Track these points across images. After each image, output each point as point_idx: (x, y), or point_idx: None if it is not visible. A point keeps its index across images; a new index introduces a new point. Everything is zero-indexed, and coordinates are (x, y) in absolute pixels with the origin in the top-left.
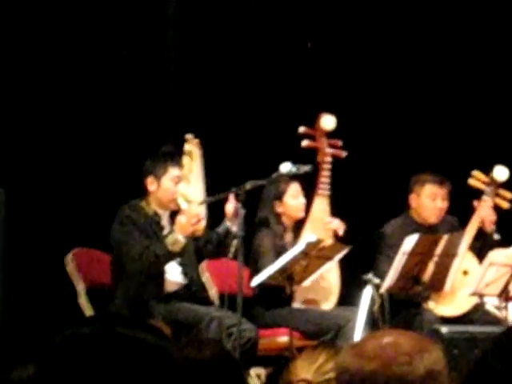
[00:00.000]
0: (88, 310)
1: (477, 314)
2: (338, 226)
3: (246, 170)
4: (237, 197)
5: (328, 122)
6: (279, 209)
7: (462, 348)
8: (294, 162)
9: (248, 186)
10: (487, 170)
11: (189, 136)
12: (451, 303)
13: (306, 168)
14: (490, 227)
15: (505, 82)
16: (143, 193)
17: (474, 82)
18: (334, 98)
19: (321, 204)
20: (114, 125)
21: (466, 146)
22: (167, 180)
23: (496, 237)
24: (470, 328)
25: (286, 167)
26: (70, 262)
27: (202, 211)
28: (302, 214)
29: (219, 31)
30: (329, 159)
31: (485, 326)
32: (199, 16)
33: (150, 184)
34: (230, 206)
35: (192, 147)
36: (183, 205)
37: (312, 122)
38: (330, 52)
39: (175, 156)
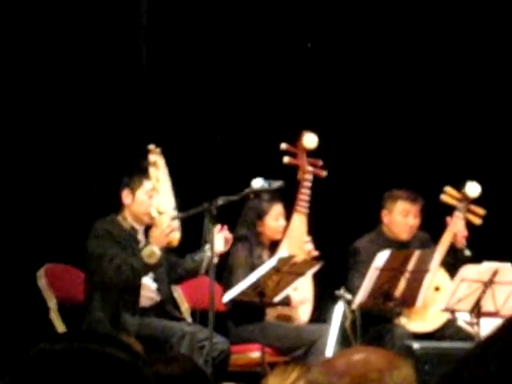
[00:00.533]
0: (59, 326)
1: (449, 330)
2: (312, 249)
3: (220, 185)
4: (209, 212)
5: (310, 140)
6: (259, 228)
7: (434, 364)
8: (266, 178)
9: (220, 201)
10: (459, 186)
11: (151, 146)
12: (423, 319)
13: (277, 184)
14: (461, 243)
15: (479, 99)
16: (117, 208)
17: (448, 100)
18: (316, 116)
19: (299, 221)
20: (87, 140)
21: (438, 162)
22: (141, 193)
23: (467, 253)
24: (442, 344)
25: (257, 183)
26: (42, 278)
27: (174, 221)
28: (279, 237)
29: (193, 37)
30: (309, 177)
31: (457, 341)
32: (173, 23)
33: (126, 197)
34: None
35: (156, 157)
36: (158, 218)
37: (294, 140)
38: (313, 70)
39: (147, 170)
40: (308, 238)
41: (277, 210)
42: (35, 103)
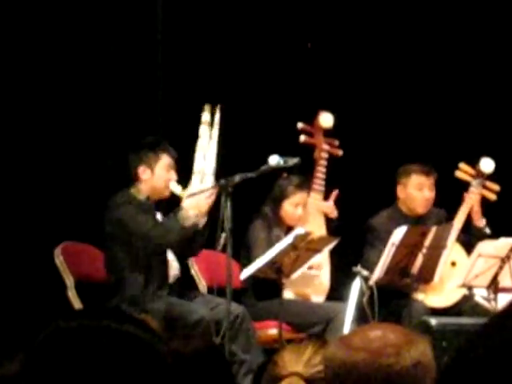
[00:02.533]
0: (77, 304)
1: (466, 306)
2: (330, 209)
3: (237, 163)
4: (226, 189)
5: (326, 119)
6: (279, 208)
7: (451, 340)
8: (282, 155)
9: (237, 178)
10: (473, 162)
11: (206, 106)
12: (440, 294)
13: (294, 160)
14: (479, 221)
15: (492, 75)
16: (130, 183)
17: (461, 77)
18: (332, 96)
19: (316, 199)
20: (100, 119)
21: (452, 138)
22: (160, 168)
23: (487, 231)
24: (459, 320)
25: (273, 160)
26: (59, 256)
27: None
28: (294, 223)
29: (216, 27)
30: (325, 156)
31: (474, 317)
32: (188, 14)
33: (143, 173)
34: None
35: (209, 116)
36: (177, 189)
37: (311, 119)
38: (330, 51)
39: (163, 144)
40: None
41: (299, 197)
42: (50, 85)
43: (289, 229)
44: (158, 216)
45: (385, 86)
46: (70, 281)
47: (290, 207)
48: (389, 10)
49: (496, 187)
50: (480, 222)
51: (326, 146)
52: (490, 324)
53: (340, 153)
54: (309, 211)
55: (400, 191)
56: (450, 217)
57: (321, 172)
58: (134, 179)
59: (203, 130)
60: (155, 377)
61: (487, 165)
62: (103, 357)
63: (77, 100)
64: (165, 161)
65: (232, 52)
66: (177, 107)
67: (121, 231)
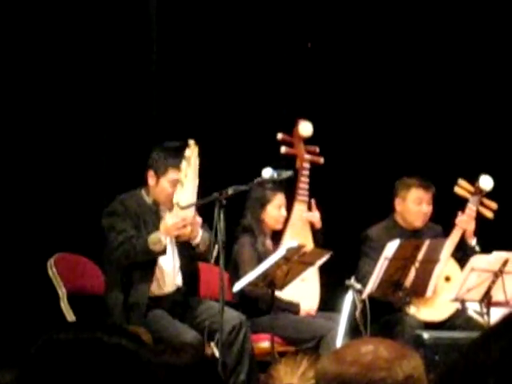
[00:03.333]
0: (69, 315)
1: (459, 320)
2: (317, 218)
3: (227, 175)
4: (219, 202)
5: (305, 128)
6: (262, 216)
7: (444, 353)
8: (275, 168)
9: (230, 191)
10: (473, 179)
11: (191, 141)
12: (432, 308)
13: (288, 173)
14: (470, 238)
15: (494, 92)
16: (134, 187)
17: (464, 93)
18: (312, 105)
19: (300, 210)
20: (96, 130)
21: (452, 154)
22: (165, 181)
23: (477, 249)
24: (452, 334)
25: (267, 172)
26: (52, 267)
27: (189, 216)
28: (279, 227)
29: (199, 34)
30: (307, 165)
31: (466, 331)
32: (181, 19)
33: (151, 178)
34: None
35: (191, 153)
36: (176, 208)
37: (290, 129)
38: (310, 58)
39: (176, 157)
40: (309, 213)
41: (279, 199)
42: (50, 84)
43: (273, 234)
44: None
45: (384, 92)
46: (62, 292)
47: (274, 210)
48: (377, 21)
49: (494, 205)
50: (471, 240)
51: (307, 156)
52: (481, 339)
53: (321, 161)
54: (294, 223)
55: (398, 204)
56: (446, 233)
57: (304, 182)
58: (144, 179)
59: (183, 165)
60: None
61: (486, 182)
62: (95, 369)
63: (70, 107)
64: (172, 176)
65: (212, 63)
66: (171, 107)
67: (104, 237)
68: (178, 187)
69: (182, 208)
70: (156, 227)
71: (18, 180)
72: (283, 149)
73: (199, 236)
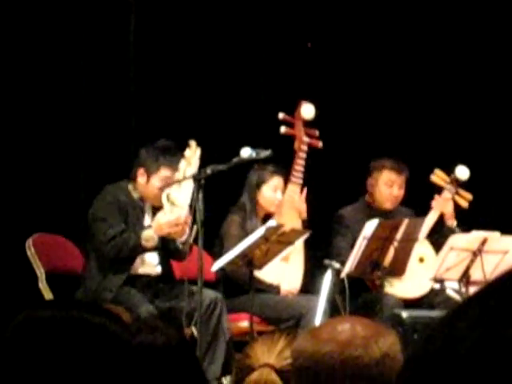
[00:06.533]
0: (48, 295)
1: (437, 299)
2: (303, 208)
3: (214, 154)
4: (198, 182)
5: (307, 110)
6: (257, 197)
7: (422, 333)
8: (254, 147)
9: (209, 170)
10: (449, 169)
11: (192, 142)
12: (404, 288)
13: (266, 153)
14: (450, 221)
15: (478, 84)
16: (120, 178)
17: (449, 84)
18: (315, 87)
19: (293, 191)
20: (78, 110)
21: (432, 141)
22: (156, 179)
23: (457, 231)
24: (431, 313)
25: (246, 152)
26: (31, 247)
27: (183, 215)
28: (272, 209)
29: (186, 23)
30: (305, 148)
31: (445, 310)
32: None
33: (141, 176)
34: None
35: (192, 154)
36: (166, 206)
37: (292, 110)
38: (314, 39)
39: (169, 155)
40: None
41: (276, 181)
42: (36, 74)
43: (266, 217)
44: (147, 219)
45: (375, 81)
46: (41, 272)
47: (269, 191)
48: (373, 7)
49: (469, 196)
50: (451, 221)
51: (306, 138)
52: (450, 315)
53: (320, 144)
54: (284, 203)
55: (370, 185)
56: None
57: (300, 164)
58: (133, 176)
59: (182, 165)
60: (124, 368)
61: (462, 172)
62: (72, 348)
63: (51, 93)
64: (164, 174)
65: (214, 42)
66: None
67: (91, 225)
68: (175, 186)
69: (161, 187)
70: (140, 223)
71: None
72: (283, 128)
73: (185, 235)
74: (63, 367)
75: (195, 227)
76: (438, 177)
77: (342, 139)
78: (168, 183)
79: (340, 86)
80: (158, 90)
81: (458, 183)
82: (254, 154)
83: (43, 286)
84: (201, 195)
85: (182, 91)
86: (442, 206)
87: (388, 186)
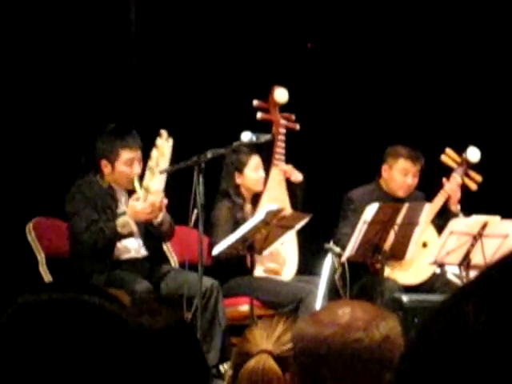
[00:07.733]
0: (48, 279)
1: (438, 283)
2: (291, 170)
3: (207, 140)
4: (198, 166)
5: (281, 94)
6: (239, 180)
7: (423, 317)
8: (254, 132)
9: (209, 154)
10: (460, 150)
11: (163, 131)
12: (407, 272)
13: (266, 137)
14: (455, 206)
15: (489, 68)
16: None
17: (461, 68)
18: (290, 71)
19: (277, 174)
20: (74, 93)
21: (443, 122)
22: (120, 164)
23: (461, 216)
24: (431, 297)
25: (246, 136)
26: (31, 232)
27: (158, 201)
28: (260, 188)
29: (186, 14)
30: (283, 131)
31: (446, 294)
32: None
33: (104, 167)
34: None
35: (164, 143)
36: (140, 193)
37: (265, 96)
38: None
39: (122, 136)
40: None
41: (255, 161)
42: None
43: (253, 197)
44: (121, 203)
45: (388, 61)
46: (41, 256)
47: (252, 172)
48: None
49: (478, 178)
50: (455, 206)
51: (283, 121)
52: (451, 298)
53: (297, 127)
54: (271, 187)
55: (384, 170)
56: (428, 200)
57: (280, 147)
58: (98, 169)
59: (154, 153)
60: (125, 351)
61: (473, 154)
62: (72, 330)
63: (53, 82)
64: (125, 156)
65: (214, 33)
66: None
67: (68, 221)
68: (148, 174)
69: (161, 172)
70: (114, 211)
71: None
72: (259, 114)
73: (160, 216)
74: (61, 350)
75: (195, 211)
76: (448, 157)
77: (350, 120)
78: (131, 163)
79: (352, 67)
80: (159, 81)
81: (469, 165)
82: (254, 138)
83: (43, 269)
84: (201, 179)
85: (183, 82)
86: (452, 190)
87: (403, 174)
